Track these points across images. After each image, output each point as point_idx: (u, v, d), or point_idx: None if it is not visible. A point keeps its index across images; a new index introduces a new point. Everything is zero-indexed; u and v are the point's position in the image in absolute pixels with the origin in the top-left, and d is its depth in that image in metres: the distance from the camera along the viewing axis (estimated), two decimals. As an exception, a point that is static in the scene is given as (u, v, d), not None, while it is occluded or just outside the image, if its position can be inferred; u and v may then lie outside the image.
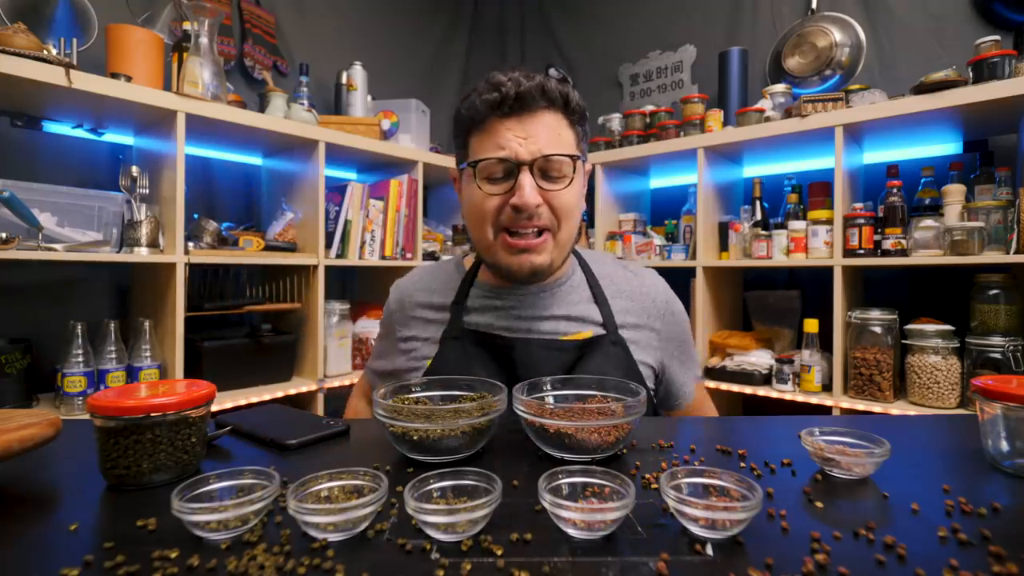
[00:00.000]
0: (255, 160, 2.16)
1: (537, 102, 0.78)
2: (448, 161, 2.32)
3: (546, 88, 0.78)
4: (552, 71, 2.85)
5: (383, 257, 2.13)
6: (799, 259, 1.79)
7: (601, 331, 0.84)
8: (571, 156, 0.79)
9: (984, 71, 1.48)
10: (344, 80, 2.24)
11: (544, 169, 0.78)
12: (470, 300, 0.89)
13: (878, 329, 1.61)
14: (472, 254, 0.98)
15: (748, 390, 1.85)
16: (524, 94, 0.77)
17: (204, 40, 1.61)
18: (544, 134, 0.78)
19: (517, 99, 0.77)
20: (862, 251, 1.65)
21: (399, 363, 0.92)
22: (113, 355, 1.52)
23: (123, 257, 1.52)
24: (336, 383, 1.98)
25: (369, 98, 2.28)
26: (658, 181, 2.53)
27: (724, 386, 1.90)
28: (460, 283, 0.91)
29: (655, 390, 0.90)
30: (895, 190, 1.65)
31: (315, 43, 2.36)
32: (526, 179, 0.76)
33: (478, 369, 0.79)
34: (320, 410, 1.93)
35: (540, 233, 0.79)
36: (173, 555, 0.35)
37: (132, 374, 1.54)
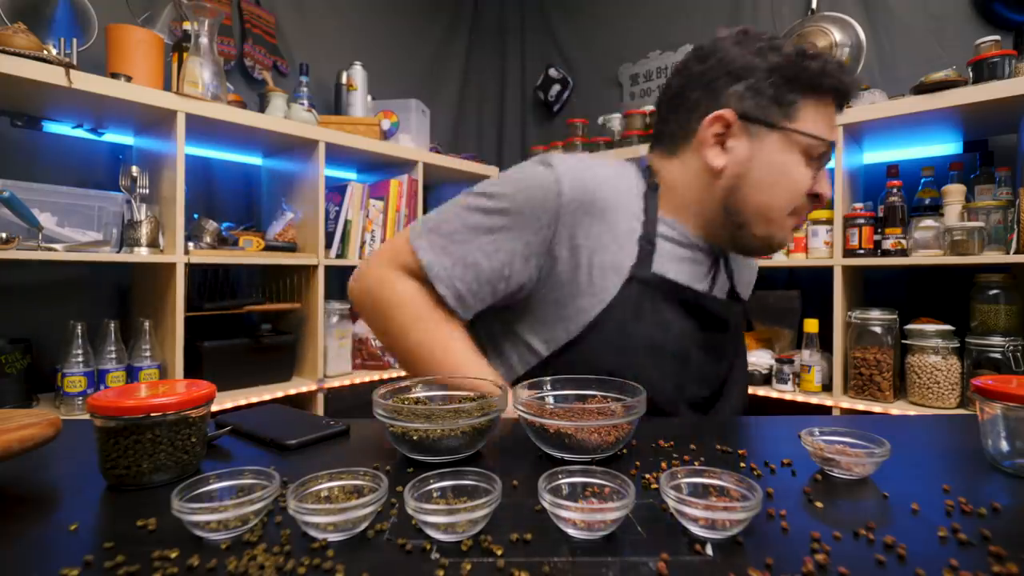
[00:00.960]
0: (255, 160, 2.16)
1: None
2: (448, 162, 2.32)
3: (855, 75, 0.82)
4: (552, 71, 2.86)
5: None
6: (799, 259, 1.79)
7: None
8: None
9: (984, 71, 1.48)
10: (344, 80, 2.24)
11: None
12: (659, 237, 0.76)
13: (878, 329, 1.61)
14: None
15: (748, 390, 1.85)
16: (851, 87, 0.75)
17: (204, 40, 1.61)
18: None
19: (845, 91, 0.75)
20: (862, 251, 1.65)
21: (532, 274, 0.73)
22: (113, 355, 1.52)
23: (123, 257, 1.52)
24: (336, 383, 1.98)
25: (369, 98, 2.27)
26: (658, 181, 2.52)
27: (724, 386, 1.89)
28: (645, 210, 0.76)
29: None
30: (895, 190, 1.65)
31: (315, 43, 2.36)
32: (825, 172, 0.76)
33: (670, 320, 0.74)
34: (320, 410, 1.93)
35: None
36: (173, 555, 0.35)
37: (132, 374, 1.54)
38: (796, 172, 0.73)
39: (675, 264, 0.77)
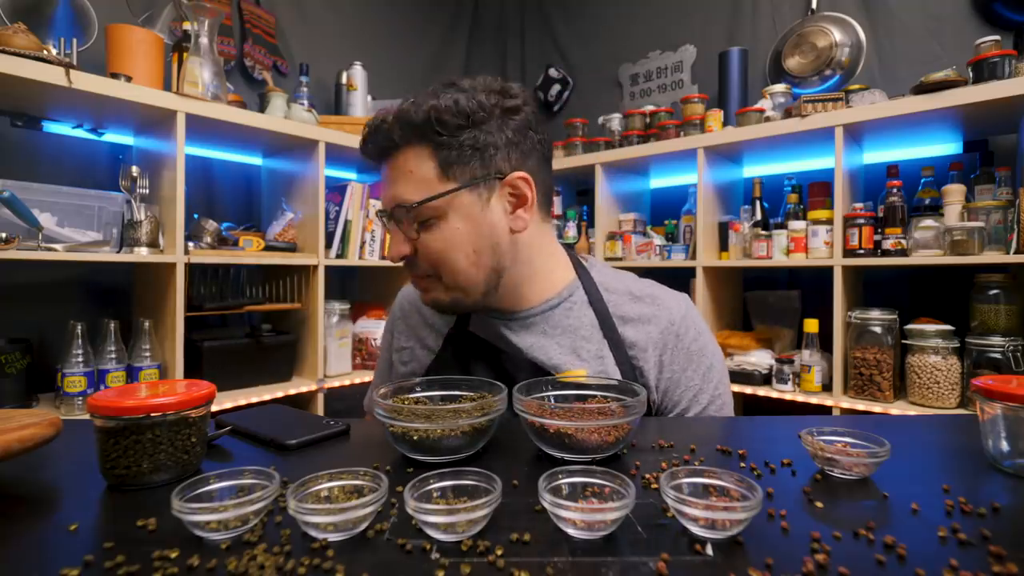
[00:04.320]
0: (255, 160, 2.16)
1: (382, 143, 0.72)
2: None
3: (389, 124, 0.70)
4: (552, 71, 2.86)
5: (383, 257, 2.13)
6: (799, 259, 1.79)
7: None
8: (406, 206, 0.69)
9: (984, 71, 1.48)
10: (344, 80, 2.24)
11: (402, 215, 0.71)
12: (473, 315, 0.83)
13: (878, 329, 1.61)
14: None
15: (748, 390, 1.85)
16: (367, 141, 0.73)
17: (204, 40, 1.61)
18: (398, 178, 0.71)
19: (364, 147, 0.73)
20: (862, 251, 1.65)
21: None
22: (113, 355, 1.52)
23: (123, 257, 1.52)
24: (336, 383, 1.97)
25: (369, 98, 2.28)
26: (658, 181, 2.53)
27: (724, 386, 1.89)
28: None
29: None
30: (895, 190, 1.65)
31: (315, 43, 2.36)
32: (394, 232, 0.73)
33: (480, 372, 0.77)
34: (320, 410, 1.93)
35: (426, 276, 0.75)
36: (173, 555, 0.35)
37: (132, 374, 1.54)
38: None
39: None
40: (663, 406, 0.79)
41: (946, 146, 1.85)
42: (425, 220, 0.70)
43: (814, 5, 2.09)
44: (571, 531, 0.38)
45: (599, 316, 0.78)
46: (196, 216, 1.78)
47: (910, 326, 1.58)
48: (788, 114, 1.83)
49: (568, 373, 0.74)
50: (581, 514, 0.37)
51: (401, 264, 0.75)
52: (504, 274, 0.75)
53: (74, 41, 1.52)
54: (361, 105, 2.23)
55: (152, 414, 0.47)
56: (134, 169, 1.56)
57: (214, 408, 0.67)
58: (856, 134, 1.76)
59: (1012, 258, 1.42)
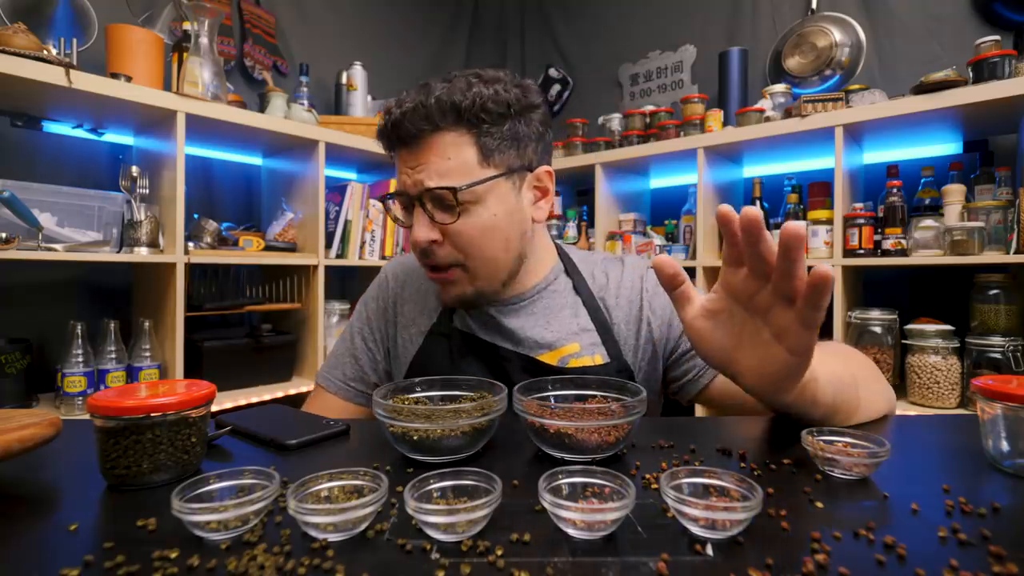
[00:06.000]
0: (255, 160, 2.16)
1: (419, 125, 0.69)
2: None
3: (429, 109, 0.68)
4: (552, 71, 2.86)
5: (383, 257, 2.13)
6: (799, 259, 1.78)
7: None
8: (449, 189, 0.69)
9: (984, 71, 1.48)
10: (344, 80, 2.24)
11: (438, 200, 0.71)
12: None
13: (878, 329, 1.61)
14: None
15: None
16: (400, 123, 0.70)
17: (204, 40, 1.61)
18: (433, 162, 0.69)
19: (395, 127, 0.71)
20: (862, 251, 1.65)
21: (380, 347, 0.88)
22: (113, 355, 1.52)
23: (123, 257, 1.52)
24: (336, 383, 1.97)
25: (369, 98, 2.28)
26: (658, 181, 2.53)
27: (724, 386, 1.89)
28: None
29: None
30: (895, 190, 1.65)
31: (315, 43, 2.36)
32: (418, 216, 0.71)
33: (468, 371, 0.77)
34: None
35: (448, 267, 0.73)
36: (173, 555, 0.35)
37: (132, 374, 1.54)
38: (406, 232, 0.75)
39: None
40: (672, 354, 0.81)
41: (946, 146, 1.85)
42: (462, 205, 0.70)
43: (814, 5, 2.09)
44: (571, 531, 0.38)
45: (581, 293, 0.82)
46: (196, 216, 1.78)
47: (910, 326, 1.58)
48: (788, 114, 1.83)
49: (563, 350, 0.77)
50: (581, 514, 0.37)
51: (420, 253, 0.73)
52: (524, 262, 0.78)
53: (74, 41, 1.52)
54: (361, 105, 2.23)
55: (152, 414, 0.47)
56: (134, 169, 1.56)
57: (214, 408, 0.67)
58: (856, 134, 1.76)
59: (1012, 258, 1.42)
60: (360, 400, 0.89)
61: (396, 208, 0.78)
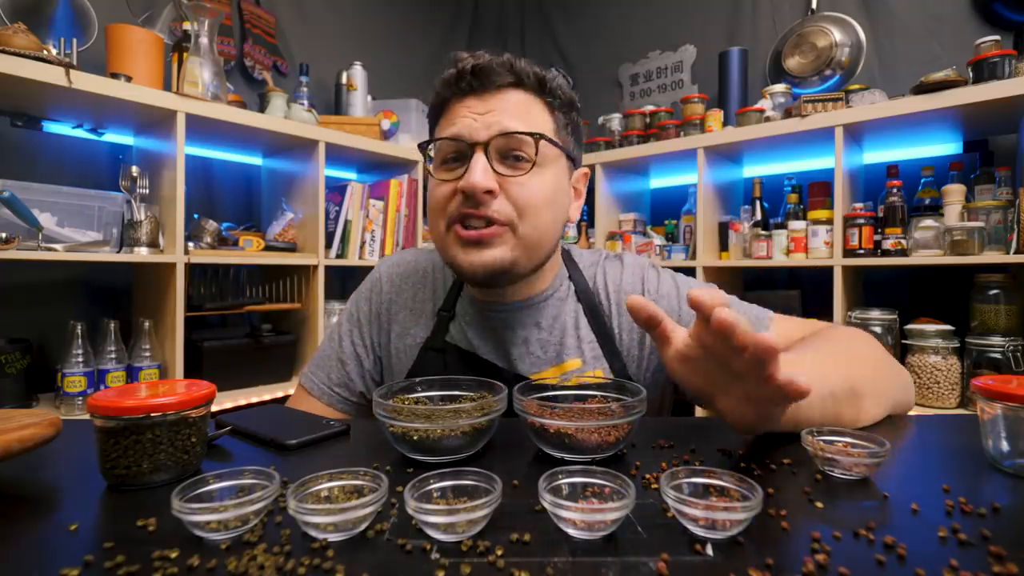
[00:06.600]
0: (255, 160, 2.16)
1: (502, 77, 0.67)
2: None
3: (515, 65, 0.67)
4: (552, 71, 2.86)
5: (383, 257, 2.13)
6: (799, 259, 1.79)
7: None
8: (535, 135, 0.66)
9: (984, 71, 1.48)
10: (344, 80, 2.24)
11: (504, 151, 0.67)
12: (458, 307, 0.81)
13: (878, 329, 1.61)
14: None
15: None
16: (485, 68, 0.67)
17: (204, 40, 1.61)
18: (509, 110, 0.67)
19: (476, 73, 0.67)
20: (862, 251, 1.65)
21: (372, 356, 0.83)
22: (113, 355, 1.52)
23: (123, 257, 1.52)
24: (336, 383, 1.97)
25: (369, 98, 2.28)
26: (658, 181, 2.53)
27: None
28: (450, 286, 0.83)
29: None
30: (895, 190, 1.65)
31: (315, 43, 2.36)
32: (478, 159, 0.65)
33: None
34: (320, 410, 1.93)
35: (491, 223, 0.66)
36: (173, 555, 0.35)
37: (132, 374, 1.54)
38: (432, 185, 0.71)
39: None
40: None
41: (946, 146, 1.85)
42: (529, 161, 0.67)
43: (814, 5, 2.09)
44: (571, 531, 0.37)
45: (583, 300, 0.80)
46: (196, 216, 1.78)
47: (910, 326, 1.58)
48: (788, 114, 1.83)
49: (564, 366, 0.76)
50: (581, 514, 0.37)
51: (470, 201, 0.66)
52: (550, 259, 0.77)
53: (74, 41, 1.52)
54: (361, 105, 2.23)
55: (152, 414, 0.47)
56: (134, 169, 1.56)
57: (214, 408, 0.67)
58: (856, 134, 1.76)
59: (1012, 258, 1.42)
60: (342, 407, 0.84)
61: (441, 154, 0.71)
